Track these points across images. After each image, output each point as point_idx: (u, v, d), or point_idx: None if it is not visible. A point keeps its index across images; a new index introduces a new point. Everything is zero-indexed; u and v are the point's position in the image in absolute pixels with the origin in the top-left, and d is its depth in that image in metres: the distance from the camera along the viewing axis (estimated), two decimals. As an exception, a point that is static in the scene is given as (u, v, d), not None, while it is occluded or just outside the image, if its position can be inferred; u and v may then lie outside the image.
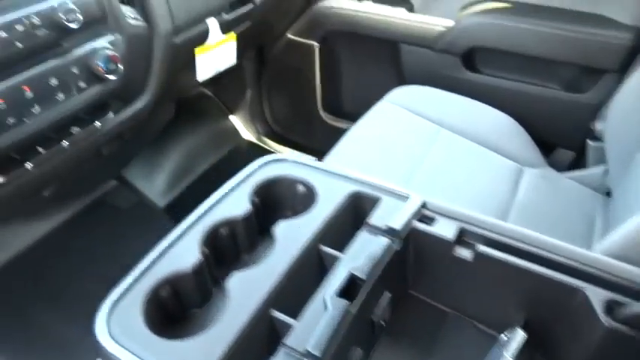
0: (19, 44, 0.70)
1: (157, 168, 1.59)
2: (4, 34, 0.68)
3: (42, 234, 1.21)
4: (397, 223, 0.60)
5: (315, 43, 1.55)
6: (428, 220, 0.62)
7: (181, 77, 1.16)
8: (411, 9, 1.37)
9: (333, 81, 1.63)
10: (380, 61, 1.50)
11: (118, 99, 0.89)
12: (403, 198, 0.65)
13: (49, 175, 0.83)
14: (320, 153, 1.73)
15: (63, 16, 0.73)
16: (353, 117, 1.64)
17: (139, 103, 0.94)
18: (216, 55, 1.14)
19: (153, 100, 0.96)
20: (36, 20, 0.72)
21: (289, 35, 1.58)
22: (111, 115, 0.88)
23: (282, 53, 1.63)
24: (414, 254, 0.64)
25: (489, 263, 0.59)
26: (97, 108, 0.85)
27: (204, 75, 1.14)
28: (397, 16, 1.36)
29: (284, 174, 0.71)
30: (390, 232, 0.60)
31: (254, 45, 1.56)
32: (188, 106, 1.67)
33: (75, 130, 0.82)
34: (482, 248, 0.59)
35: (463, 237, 0.61)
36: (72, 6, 0.74)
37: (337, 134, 1.66)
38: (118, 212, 1.38)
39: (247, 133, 1.90)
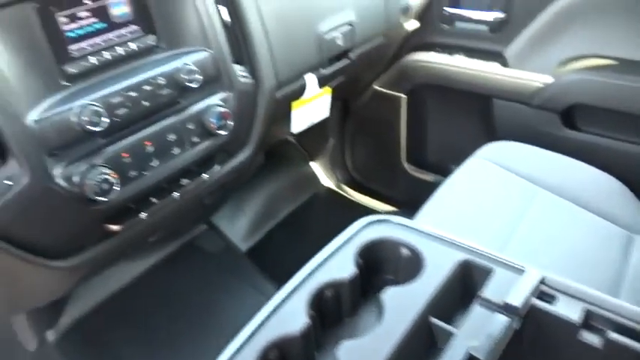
0: (145, 103, 0.76)
1: (239, 212, 1.63)
2: (134, 94, 0.74)
3: (134, 275, 1.26)
4: (516, 300, 0.57)
5: (403, 95, 1.55)
6: (548, 298, 0.58)
7: (274, 128, 1.20)
8: (504, 63, 1.34)
9: (419, 133, 1.62)
10: (470, 115, 1.48)
11: (224, 152, 0.93)
12: (518, 271, 0.61)
13: (159, 224, 0.87)
14: (401, 203, 1.73)
15: (185, 77, 0.78)
16: (438, 169, 1.62)
17: (242, 155, 0.98)
18: (311, 108, 1.17)
19: (254, 152, 0.99)
20: (161, 80, 0.77)
21: (376, 87, 1.60)
22: (217, 167, 0.91)
23: (368, 104, 1.65)
24: (532, 334, 0.60)
25: (622, 352, 0.54)
26: (205, 160, 0.89)
27: (298, 127, 1.17)
28: (491, 70, 1.34)
29: (388, 236, 0.70)
30: (507, 308, 0.57)
31: (342, 97, 1.59)
32: (270, 151, 1.72)
33: (184, 181, 0.86)
34: (614, 336, 0.54)
35: (590, 320, 0.56)
36: (193, 67, 0.79)
37: (420, 186, 1.65)
38: (205, 255, 1.42)
39: (327, 180, 1.91)
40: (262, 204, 1.69)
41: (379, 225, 0.73)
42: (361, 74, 1.47)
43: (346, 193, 1.88)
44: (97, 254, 0.80)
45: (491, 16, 1.33)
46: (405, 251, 0.69)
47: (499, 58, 1.35)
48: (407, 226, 0.72)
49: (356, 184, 1.88)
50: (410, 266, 0.66)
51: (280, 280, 0.62)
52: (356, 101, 1.66)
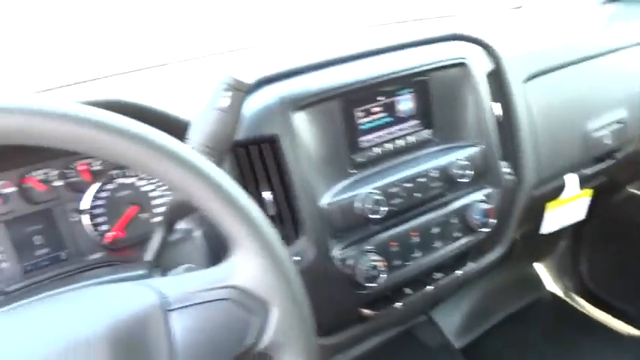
0: (417, 194, 0.77)
1: (456, 307, 1.54)
2: (409, 185, 0.76)
3: (353, 356, 1.26)
4: None
5: (669, 202, 1.33)
6: None
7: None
8: None
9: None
10: None
11: (476, 248, 0.89)
12: None
13: (409, 315, 0.86)
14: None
15: (456, 171, 0.78)
16: None
17: (494, 254, 0.93)
18: (567, 209, 1.07)
19: (507, 251, 0.94)
20: (434, 174, 0.78)
21: (631, 189, 1.40)
22: (471, 264, 0.87)
23: (619, 207, 1.45)
24: None
25: None
26: (459, 256, 0.86)
27: (550, 228, 1.07)
28: None
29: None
30: None
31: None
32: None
33: (437, 275, 0.84)
34: None
35: None
36: (465, 162, 0.79)
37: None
38: (421, 346, 1.36)
39: (553, 286, 1.71)
40: (480, 301, 1.58)
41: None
42: (619, 174, 1.31)
43: (577, 304, 1.65)
44: (347, 337, 0.81)
45: None
46: None
47: None
48: None
49: (590, 294, 1.64)
50: None
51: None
52: (604, 202, 1.48)
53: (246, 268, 0.43)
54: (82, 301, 0.43)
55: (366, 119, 0.76)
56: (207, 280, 0.43)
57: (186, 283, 0.43)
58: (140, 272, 0.55)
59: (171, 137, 0.42)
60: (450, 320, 1.50)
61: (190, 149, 0.42)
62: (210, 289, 0.43)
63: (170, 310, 0.41)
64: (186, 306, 0.42)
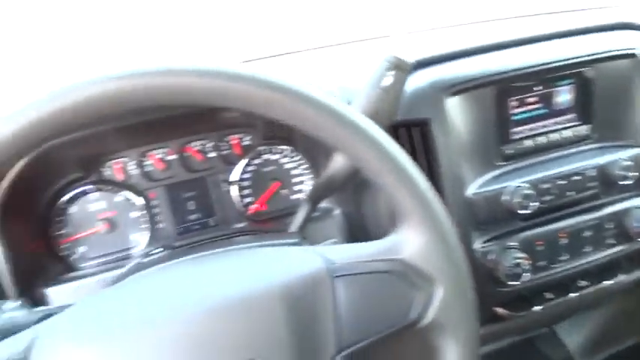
0: (570, 193, 0.72)
1: (581, 322, 1.42)
2: (562, 182, 0.71)
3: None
4: None
5: None
6: None
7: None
8: None
9: None
10: None
11: (630, 260, 0.81)
12: None
13: (543, 322, 0.81)
14: None
15: (618, 172, 0.72)
16: None
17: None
18: None
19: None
20: (591, 173, 0.73)
21: None
22: (622, 276, 0.80)
23: None
24: None
25: None
26: (609, 265, 0.79)
27: None
28: None
29: None
30: None
31: None
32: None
33: (582, 283, 0.78)
34: None
35: None
36: (628, 163, 0.72)
37: None
38: (542, 359, 1.28)
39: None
40: (609, 321, 1.44)
41: None
42: None
43: None
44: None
45: None
46: None
47: None
48: None
49: None
50: None
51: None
52: None
53: (414, 242, 0.43)
54: (255, 259, 0.45)
55: (519, 109, 0.72)
56: (373, 252, 0.44)
57: (352, 252, 0.44)
58: (292, 241, 0.57)
59: (354, 110, 0.42)
60: (574, 336, 1.39)
61: (373, 123, 0.42)
62: (376, 261, 0.43)
63: (337, 277, 0.42)
64: (352, 274, 0.42)
